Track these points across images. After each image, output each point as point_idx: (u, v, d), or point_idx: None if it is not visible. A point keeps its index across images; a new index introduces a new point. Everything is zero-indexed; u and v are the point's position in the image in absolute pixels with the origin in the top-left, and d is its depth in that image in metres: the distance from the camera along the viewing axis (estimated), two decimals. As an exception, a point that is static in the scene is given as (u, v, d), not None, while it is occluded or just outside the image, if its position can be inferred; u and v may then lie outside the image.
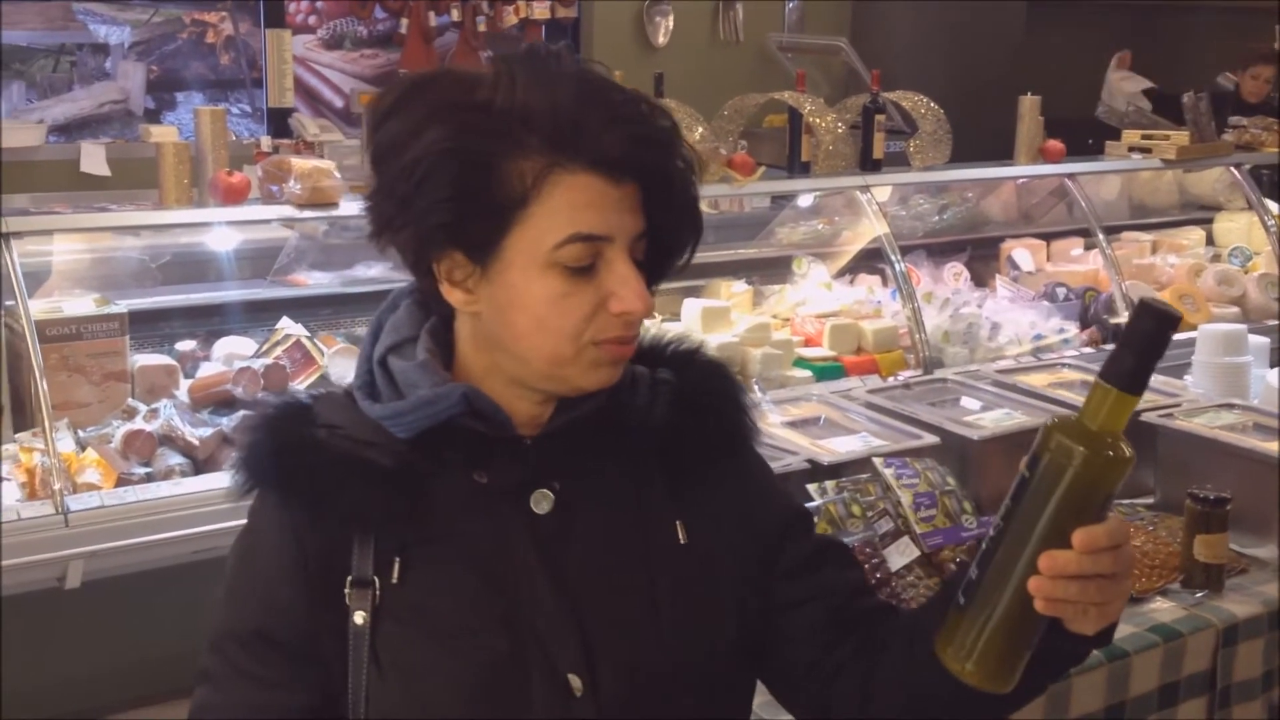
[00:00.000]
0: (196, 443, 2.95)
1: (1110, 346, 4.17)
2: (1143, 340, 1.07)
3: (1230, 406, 2.73)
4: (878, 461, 2.31)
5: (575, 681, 1.20)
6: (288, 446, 1.23)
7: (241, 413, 3.04)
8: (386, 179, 1.19)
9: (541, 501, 1.24)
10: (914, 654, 1.25)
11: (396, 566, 1.21)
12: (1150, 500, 2.61)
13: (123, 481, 2.80)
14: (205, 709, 1.24)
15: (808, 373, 3.63)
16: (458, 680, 1.19)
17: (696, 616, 1.27)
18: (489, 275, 1.18)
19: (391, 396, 1.24)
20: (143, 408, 3.01)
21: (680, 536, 1.28)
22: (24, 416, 2.92)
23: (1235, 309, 4.46)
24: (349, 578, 1.21)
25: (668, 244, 1.24)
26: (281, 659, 1.22)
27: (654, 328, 1.36)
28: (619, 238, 1.18)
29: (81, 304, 3.09)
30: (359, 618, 1.20)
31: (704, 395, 1.32)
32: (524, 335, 1.19)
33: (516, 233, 1.16)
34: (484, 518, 1.23)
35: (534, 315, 1.18)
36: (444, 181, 1.15)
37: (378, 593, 1.21)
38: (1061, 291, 4.27)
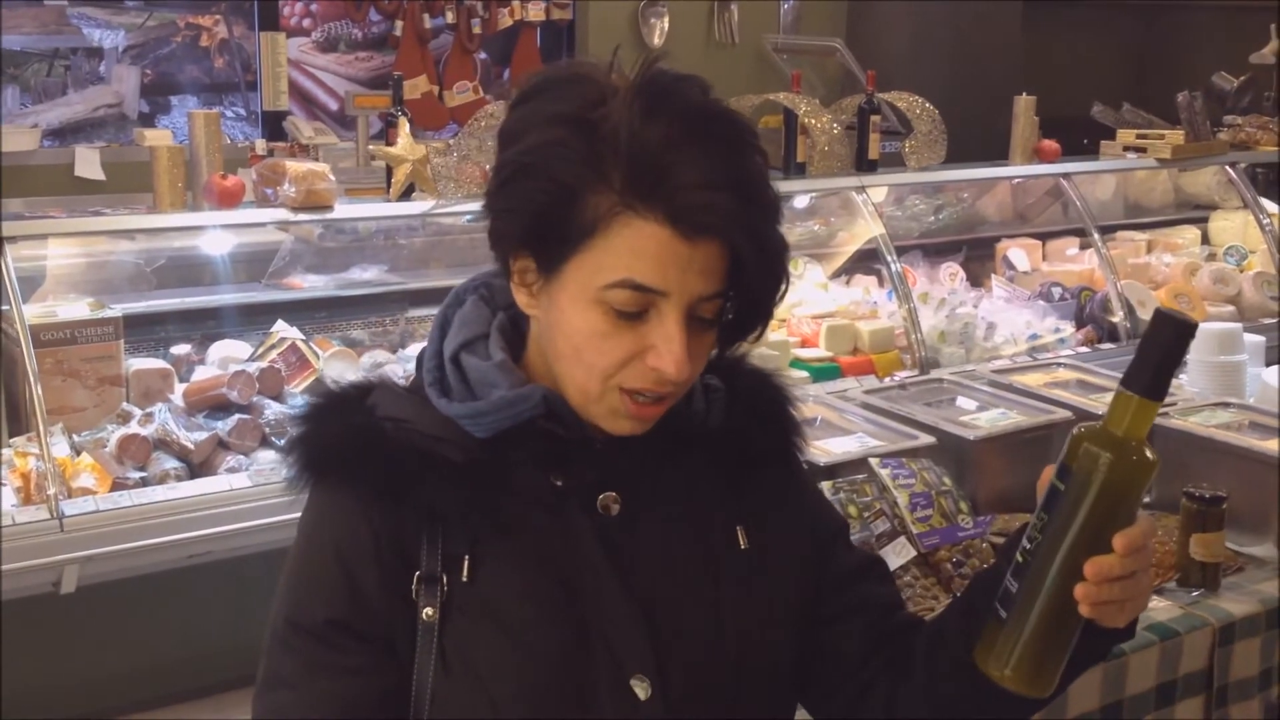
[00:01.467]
0: (192, 446, 2.94)
1: (1106, 346, 4.17)
2: (1161, 348, 1.12)
3: (1226, 405, 2.73)
4: (874, 462, 2.31)
5: (642, 683, 1.20)
6: (354, 437, 1.22)
7: (237, 416, 3.04)
8: (496, 162, 1.20)
9: (610, 504, 1.24)
10: (934, 665, 1.27)
11: (466, 564, 1.20)
12: (1146, 499, 2.60)
13: (118, 486, 2.80)
14: (281, 712, 1.20)
15: (804, 373, 3.63)
16: (524, 679, 1.19)
17: (757, 621, 1.28)
18: (549, 289, 1.18)
19: (464, 394, 1.23)
20: (138, 412, 3.01)
21: (741, 542, 1.29)
22: (18, 421, 2.92)
23: (1231, 308, 4.46)
24: (417, 573, 1.20)
25: (748, 310, 1.20)
26: (359, 645, 1.19)
27: None
28: (676, 295, 1.13)
29: (76, 308, 3.09)
30: (426, 613, 1.19)
31: (757, 404, 1.33)
32: (561, 358, 1.20)
33: (577, 260, 1.15)
34: (553, 519, 1.23)
35: (572, 344, 1.17)
36: (523, 192, 1.15)
37: (445, 589, 1.19)
38: (1057, 291, 4.27)
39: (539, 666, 1.19)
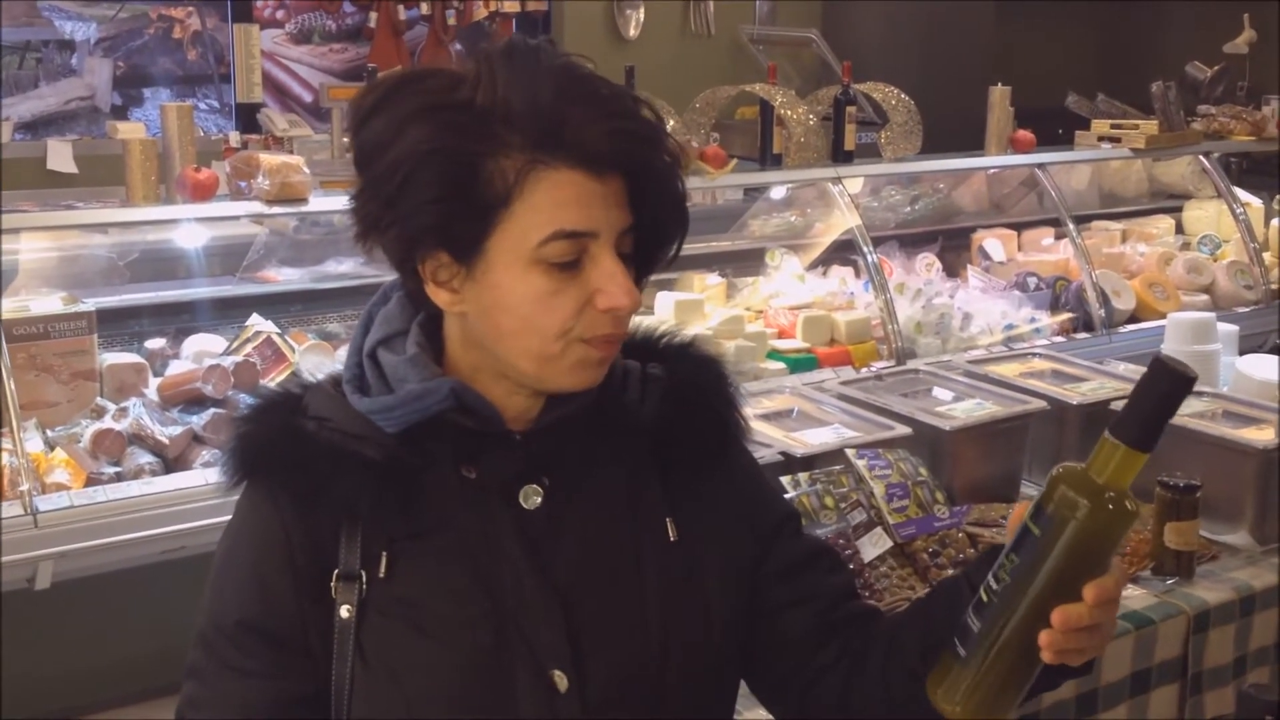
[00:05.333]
0: (166, 441, 2.93)
1: (1081, 335, 4.17)
2: (1156, 399, 1.07)
3: (1200, 394, 2.74)
4: (850, 453, 2.31)
5: (560, 678, 1.20)
6: (277, 438, 1.23)
7: (212, 410, 3.02)
8: (370, 180, 1.18)
9: (531, 497, 1.23)
10: (890, 669, 1.26)
11: (384, 560, 1.20)
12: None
13: (92, 481, 2.78)
14: (192, 704, 1.23)
15: (781, 365, 3.63)
16: (442, 675, 1.19)
17: (684, 615, 1.26)
18: (474, 275, 1.18)
19: (380, 390, 1.23)
20: (112, 406, 2.99)
21: (670, 534, 1.28)
22: (-9, 417, 2.90)
23: (1205, 297, 4.49)
24: (335, 571, 1.20)
25: (655, 237, 1.23)
26: (268, 650, 1.21)
27: (645, 321, 1.35)
28: (604, 233, 1.16)
29: (49, 302, 3.07)
30: (344, 611, 1.20)
31: (695, 392, 1.31)
32: (509, 335, 1.18)
33: (500, 232, 1.15)
34: (473, 513, 1.22)
35: (519, 315, 1.17)
36: (428, 182, 1.14)
37: (364, 586, 1.20)
38: (1032, 281, 4.29)
39: (455, 664, 1.19)
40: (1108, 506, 1.07)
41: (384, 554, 1.20)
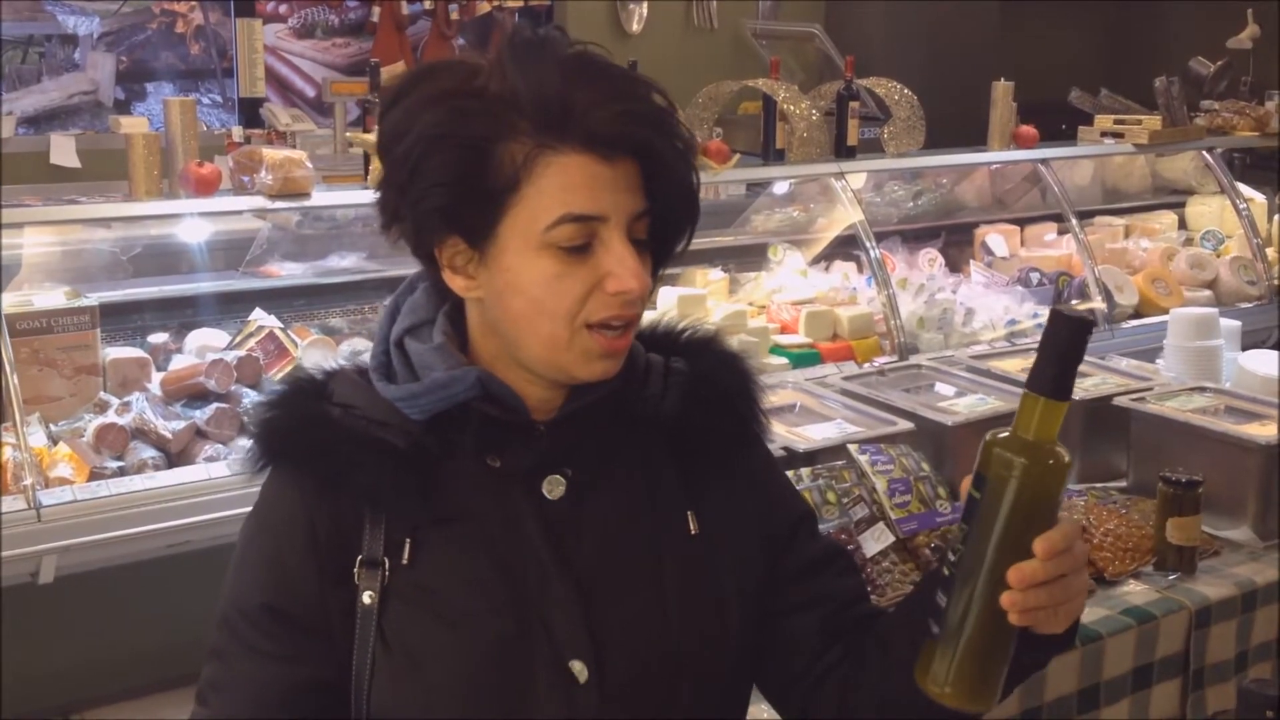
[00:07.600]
0: (169, 436, 2.93)
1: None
2: (1060, 347, 1.10)
3: (1202, 390, 2.74)
4: (853, 448, 2.31)
5: (579, 669, 1.20)
6: (302, 423, 1.24)
7: (215, 405, 3.03)
8: (389, 168, 1.20)
9: (553, 487, 1.24)
10: (883, 663, 1.27)
11: (407, 547, 1.21)
12: (1123, 483, 2.62)
13: (95, 475, 2.78)
14: (213, 685, 1.24)
15: (784, 360, 3.64)
16: (462, 663, 1.20)
17: (703, 608, 1.27)
18: (486, 260, 1.19)
19: (407, 378, 1.24)
20: (115, 401, 2.99)
21: (691, 527, 1.28)
22: (-6, 411, 2.90)
23: (1207, 292, 4.48)
24: (359, 557, 1.21)
25: (667, 225, 1.23)
26: (290, 633, 1.21)
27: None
28: (613, 216, 1.17)
29: (52, 297, 3.07)
30: (367, 597, 1.20)
31: (716, 388, 1.31)
32: (521, 319, 1.19)
33: (510, 216, 1.16)
34: (495, 502, 1.23)
35: (530, 298, 1.18)
36: (436, 166, 1.16)
37: (387, 573, 1.21)
38: (1035, 276, 4.29)
39: (475, 653, 1.20)
40: (1044, 460, 1.10)
41: (408, 541, 1.21)
